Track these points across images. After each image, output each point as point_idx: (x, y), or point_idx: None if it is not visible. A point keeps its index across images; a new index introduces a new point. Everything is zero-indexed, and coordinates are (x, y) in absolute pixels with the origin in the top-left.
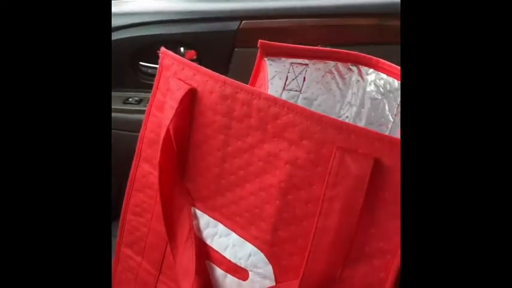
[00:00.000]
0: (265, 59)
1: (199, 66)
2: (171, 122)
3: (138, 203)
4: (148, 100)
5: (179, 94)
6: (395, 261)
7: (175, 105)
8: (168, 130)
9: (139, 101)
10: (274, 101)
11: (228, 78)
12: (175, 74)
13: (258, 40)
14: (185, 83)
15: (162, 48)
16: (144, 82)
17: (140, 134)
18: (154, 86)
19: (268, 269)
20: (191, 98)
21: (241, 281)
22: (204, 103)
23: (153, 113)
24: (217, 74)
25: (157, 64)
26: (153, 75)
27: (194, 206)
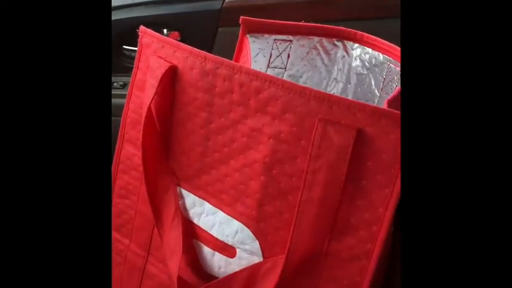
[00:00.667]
0: (248, 35)
1: (179, 43)
2: (152, 101)
3: (124, 186)
4: None
5: (159, 72)
6: (381, 232)
7: (155, 83)
8: (149, 109)
9: (123, 86)
10: (256, 75)
11: (208, 53)
12: (155, 52)
13: (239, 19)
14: (165, 60)
15: (141, 27)
16: (128, 66)
17: (123, 116)
18: (134, 66)
19: (255, 245)
20: (172, 75)
21: (229, 258)
22: (185, 80)
23: (134, 93)
24: (198, 50)
25: None
26: None
27: (179, 185)
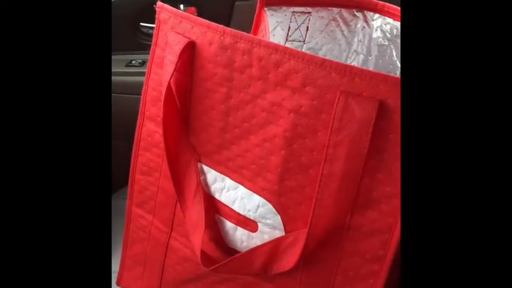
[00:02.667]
0: (266, 9)
1: (197, 17)
2: (171, 77)
3: (146, 162)
4: None
5: (178, 48)
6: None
7: (174, 59)
8: (169, 86)
9: (142, 63)
10: (275, 48)
11: (227, 28)
12: (173, 27)
13: None
14: (183, 36)
15: (159, 2)
16: (146, 43)
17: (142, 93)
18: (152, 43)
19: (277, 219)
20: (190, 51)
21: (251, 232)
22: (203, 55)
23: (153, 70)
24: (216, 24)
25: None
26: None
27: (200, 161)
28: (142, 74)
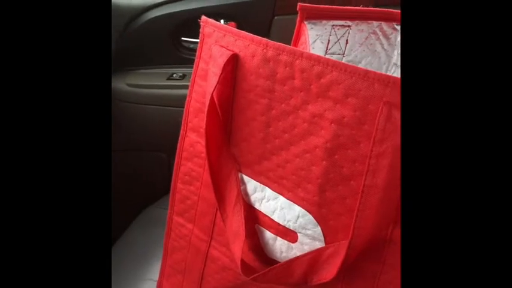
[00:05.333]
0: (306, 22)
1: (241, 31)
2: (215, 89)
3: (187, 172)
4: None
5: (221, 60)
6: None
7: (218, 72)
8: (212, 97)
9: (182, 77)
10: (318, 59)
11: (269, 40)
12: (217, 41)
13: (296, 6)
14: (227, 49)
15: (203, 17)
16: (187, 57)
17: (186, 105)
18: (196, 56)
19: (317, 230)
20: (233, 63)
21: (290, 243)
22: (246, 68)
23: (197, 82)
24: (259, 37)
25: (198, 38)
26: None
27: (241, 171)
28: (182, 87)
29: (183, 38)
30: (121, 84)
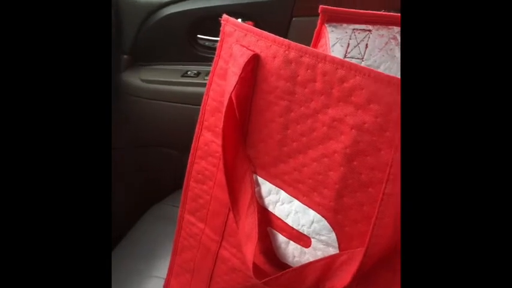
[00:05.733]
0: (326, 25)
1: (262, 31)
2: (234, 88)
3: (201, 171)
4: (207, 73)
5: (242, 60)
6: None
7: (238, 71)
8: (231, 97)
9: (197, 74)
10: (341, 63)
11: (292, 42)
12: (238, 40)
13: (316, 8)
14: (248, 49)
15: (224, 15)
16: (202, 55)
17: (202, 103)
18: (216, 54)
19: (332, 236)
20: (254, 64)
21: (303, 248)
22: (267, 69)
23: (215, 81)
24: (281, 38)
25: (214, 36)
26: (211, 48)
27: (256, 173)
28: (196, 84)
29: (199, 36)
30: (135, 79)
